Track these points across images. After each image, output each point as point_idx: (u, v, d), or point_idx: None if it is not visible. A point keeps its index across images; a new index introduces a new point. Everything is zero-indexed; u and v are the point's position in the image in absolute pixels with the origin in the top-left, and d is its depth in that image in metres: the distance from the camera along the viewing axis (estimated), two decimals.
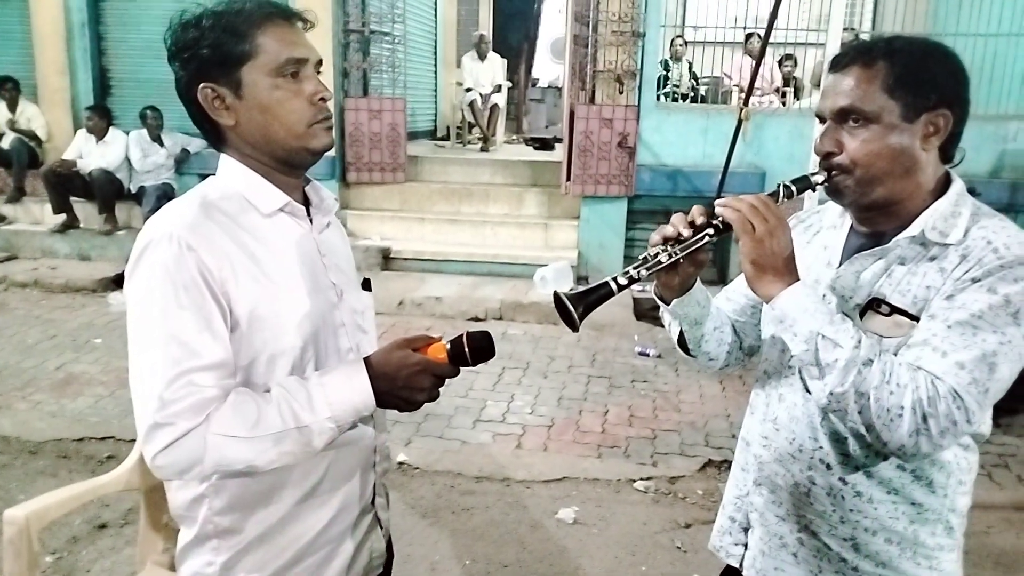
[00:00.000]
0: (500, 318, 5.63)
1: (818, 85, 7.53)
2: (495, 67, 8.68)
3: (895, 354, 1.09)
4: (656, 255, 1.15)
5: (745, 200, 1.12)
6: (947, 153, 1.16)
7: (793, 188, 1.16)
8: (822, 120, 1.18)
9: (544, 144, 8.89)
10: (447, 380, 1.14)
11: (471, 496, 3.24)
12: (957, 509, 1.20)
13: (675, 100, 6.96)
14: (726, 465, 3.54)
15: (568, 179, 6.35)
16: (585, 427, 3.92)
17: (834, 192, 1.18)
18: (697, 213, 1.16)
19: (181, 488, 1.15)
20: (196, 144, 6.84)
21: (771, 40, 7.13)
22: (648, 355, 4.92)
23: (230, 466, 1.02)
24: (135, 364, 1.03)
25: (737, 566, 1.38)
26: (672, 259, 1.15)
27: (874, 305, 1.14)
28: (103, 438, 3.63)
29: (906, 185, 1.14)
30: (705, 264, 1.22)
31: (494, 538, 2.94)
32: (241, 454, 1.01)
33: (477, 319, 5.63)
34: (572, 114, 6.26)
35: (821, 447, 1.21)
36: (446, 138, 9.48)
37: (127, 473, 1.69)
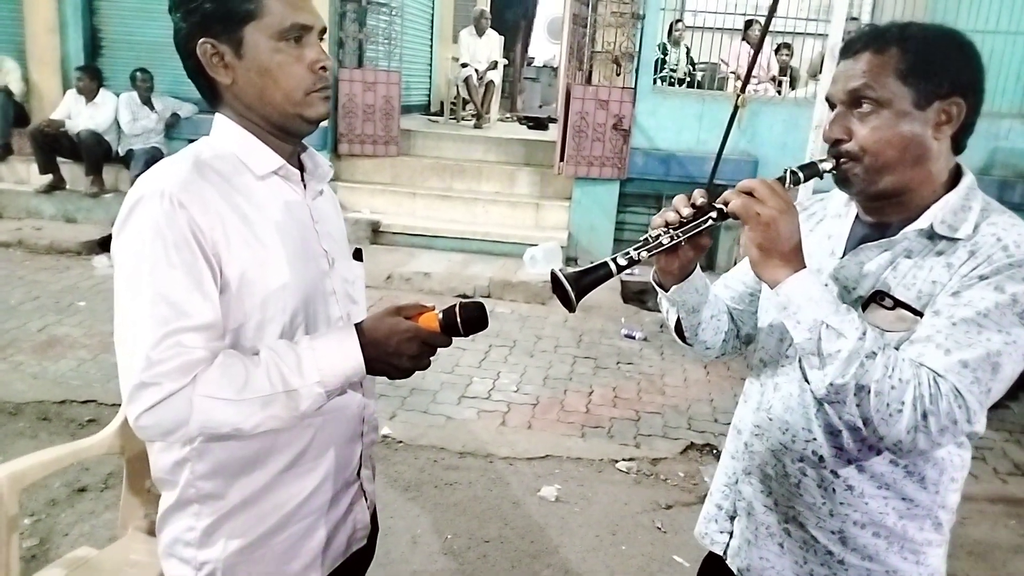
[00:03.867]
0: (488, 296, 5.62)
1: (815, 76, 7.52)
2: (492, 44, 8.60)
3: (897, 349, 1.07)
4: (657, 237, 1.13)
5: (750, 186, 1.10)
6: (959, 144, 1.14)
7: (800, 174, 1.13)
8: (832, 106, 1.15)
9: (538, 123, 8.84)
10: (437, 350, 1.13)
11: (454, 471, 3.25)
12: (947, 506, 1.19)
13: (672, 85, 6.93)
14: (708, 449, 3.57)
15: (562, 159, 6.32)
16: (570, 407, 3.94)
17: (842, 180, 1.15)
18: (699, 195, 1.14)
19: (163, 451, 1.14)
20: (187, 109, 6.74)
21: (770, 29, 7.12)
22: (634, 338, 4.94)
23: (216, 429, 1.01)
24: (122, 323, 1.01)
25: (721, 554, 1.38)
26: (674, 242, 1.13)
27: (877, 298, 1.12)
28: (84, 401, 3.61)
29: (916, 175, 1.12)
30: (706, 249, 1.21)
31: (476, 513, 2.95)
32: (227, 417, 1.00)
33: (465, 296, 5.61)
34: (568, 94, 6.22)
35: (815, 439, 1.20)
36: (440, 113, 9.40)
37: (110, 437, 1.68)
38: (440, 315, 1.13)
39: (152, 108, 6.61)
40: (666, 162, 6.29)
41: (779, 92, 7.10)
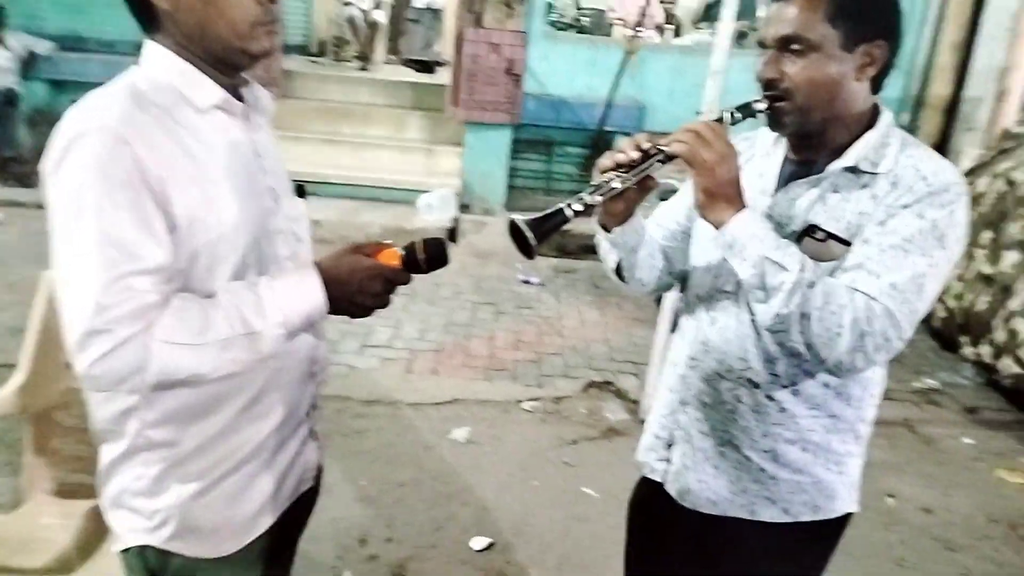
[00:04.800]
0: None
1: (696, 24, 7.77)
2: None
3: (831, 277, 1.15)
4: (609, 181, 1.16)
5: (694, 129, 1.15)
6: (877, 84, 1.22)
7: (738, 115, 1.20)
8: (764, 47, 1.21)
9: (425, 66, 8.61)
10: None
11: (362, 419, 3.23)
12: (866, 419, 1.32)
13: (561, 29, 6.94)
14: (607, 386, 3.73)
15: (455, 104, 6.23)
16: (473, 352, 3.99)
17: (774, 120, 1.22)
18: (643, 139, 1.18)
19: (106, 401, 1.08)
20: (44, 46, 6.07)
21: None
22: (531, 283, 5.02)
23: (173, 375, 0.96)
24: (65, 268, 0.94)
25: (660, 480, 1.46)
26: (625, 185, 1.16)
27: (810, 231, 1.20)
28: None
29: (840, 114, 1.20)
30: (651, 191, 1.25)
31: (388, 459, 2.97)
32: (187, 362, 0.96)
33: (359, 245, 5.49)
34: (460, 37, 6.10)
35: (751, 367, 1.28)
36: (321, 54, 8.96)
37: (10, 397, 1.55)
38: (402, 252, 1.11)
39: (4, 45, 5.92)
40: (557, 108, 6.33)
41: (662, 39, 7.27)
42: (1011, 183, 3.72)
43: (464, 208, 6.21)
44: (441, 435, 3.16)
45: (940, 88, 6.34)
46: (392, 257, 1.11)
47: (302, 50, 9.12)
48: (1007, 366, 3.51)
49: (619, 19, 7.39)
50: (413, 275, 1.13)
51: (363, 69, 7.95)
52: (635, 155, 1.17)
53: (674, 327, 1.53)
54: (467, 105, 6.19)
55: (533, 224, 1.10)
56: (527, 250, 1.11)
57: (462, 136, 6.44)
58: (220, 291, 1.02)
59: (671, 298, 3.41)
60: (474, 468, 2.95)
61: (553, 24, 6.85)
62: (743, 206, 1.16)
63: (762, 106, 1.21)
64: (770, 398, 1.28)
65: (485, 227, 5.93)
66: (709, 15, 7.43)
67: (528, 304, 4.70)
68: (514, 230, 1.11)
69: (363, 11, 7.97)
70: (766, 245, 1.12)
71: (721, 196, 1.14)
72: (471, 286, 4.90)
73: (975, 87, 6.18)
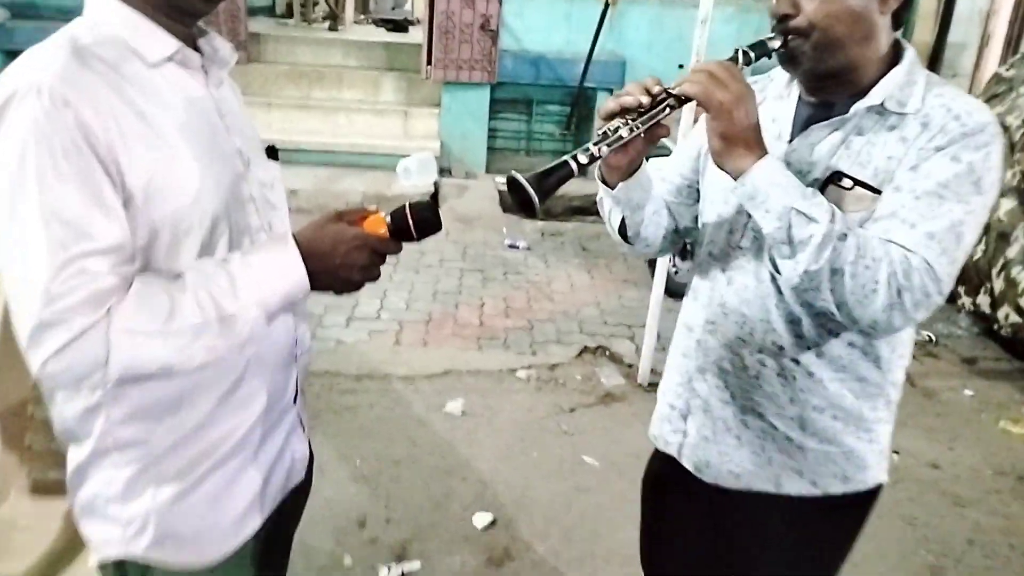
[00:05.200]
0: None
1: None
2: None
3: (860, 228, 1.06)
4: (616, 129, 1.04)
5: (707, 68, 1.03)
6: (899, 19, 1.12)
7: (752, 54, 1.09)
8: None
9: (397, 26, 8.33)
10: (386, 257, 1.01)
11: (352, 395, 3.13)
12: (897, 382, 1.23)
13: None
14: (601, 351, 3.65)
15: (429, 63, 6.02)
16: (463, 320, 3.88)
17: (789, 59, 1.11)
18: (653, 83, 1.06)
19: (69, 400, 0.95)
20: None
21: None
22: (518, 247, 4.91)
23: (140, 368, 0.84)
24: (8, 253, 0.81)
25: (675, 454, 1.37)
26: (633, 134, 1.05)
27: (835, 178, 1.10)
28: None
29: (863, 51, 1.10)
30: (660, 139, 1.14)
31: (382, 435, 2.87)
32: (154, 353, 0.84)
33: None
34: None
35: (774, 329, 1.19)
36: (288, 15, 8.64)
37: None
38: (388, 218, 0.99)
39: None
40: (536, 65, 6.14)
41: None
42: (1005, 128, 3.64)
43: (444, 172, 6.05)
44: (435, 408, 3.06)
45: (923, 34, 6.23)
46: (378, 224, 0.99)
47: (269, 12, 8.81)
48: (1006, 315, 3.47)
49: None
50: (403, 243, 1.01)
51: (333, 29, 7.66)
52: (644, 99, 1.05)
53: (677, 293, 1.42)
54: (442, 64, 5.99)
55: (535, 179, 0.99)
56: (530, 207, 0.99)
57: (439, 97, 6.25)
58: (187, 270, 0.90)
59: (663, 260, 3.32)
60: (470, 441, 2.87)
61: None
62: (764, 152, 1.05)
63: (776, 44, 1.09)
64: (796, 362, 1.19)
65: (467, 191, 5.78)
66: None
67: (516, 269, 4.58)
68: (515, 186, 1.00)
69: None
70: (792, 194, 1.02)
71: (740, 142, 1.04)
72: (456, 252, 4.78)
73: (958, 33, 6.09)
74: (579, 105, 6.28)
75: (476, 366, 3.42)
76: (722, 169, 1.07)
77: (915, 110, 1.08)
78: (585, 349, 3.65)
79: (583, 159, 1.02)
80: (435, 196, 4.99)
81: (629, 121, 1.05)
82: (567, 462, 2.80)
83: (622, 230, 1.31)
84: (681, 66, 6.04)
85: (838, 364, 1.18)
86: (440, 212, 1.01)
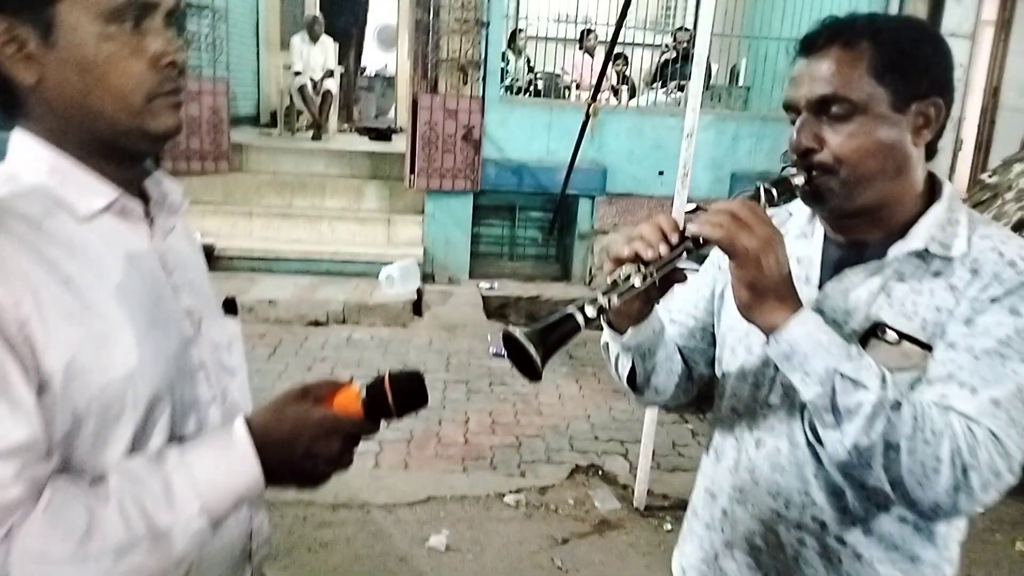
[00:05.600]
0: (344, 321, 5.23)
1: (650, 84, 7.78)
2: (327, 51, 8.13)
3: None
4: (628, 277, 0.92)
5: (729, 209, 0.92)
6: (932, 149, 1.02)
7: (774, 191, 0.97)
8: (795, 111, 1.00)
9: (380, 134, 8.47)
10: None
11: (328, 528, 2.89)
12: (953, 560, 1.07)
13: (516, 93, 6.86)
14: (594, 470, 3.45)
15: (412, 172, 6.04)
16: (447, 439, 3.68)
17: (814, 196, 1.00)
18: (670, 228, 0.94)
19: None
20: None
21: (600, 40, 7.25)
22: (503, 356, 4.74)
23: None
24: None
25: None
26: (647, 282, 0.92)
27: (878, 331, 0.97)
28: None
29: (896, 187, 0.99)
30: (676, 284, 1.02)
31: None
32: None
33: (318, 323, 5.19)
34: (415, 104, 5.96)
35: (814, 503, 1.03)
36: (272, 125, 8.77)
37: None
38: (363, 392, 0.85)
39: None
40: (518, 172, 6.19)
41: (619, 101, 7.25)
42: None
43: (427, 278, 5.97)
44: (417, 543, 2.83)
45: None
46: (351, 401, 0.85)
47: (253, 121, 8.94)
48: None
49: (573, 81, 7.37)
50: (380, 421, 0.87)
51: (317, 139, 7.76)
52: (663, 250, 0.93)
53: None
54: (425, 173, 6.02)
55: (536, 336, 0.85)
56: (531, 369, 0.85)
57: (422, 204, 6.24)
58: (112, 474, 0.75)
59: None
60: None
61: (508, 88, 6.77)
62: (798, 305, 0.92)
63: (800, 180, 0.98)
64: (841, 541, 1.03)
65: (451, 296, 5.69)
66: (663, 73, 7.44)
67: (502, 380, 4.42)
68: (511, 344, 0.86)
69: (314, 81, 7.81)
70: (835, 355, 0.89)
71: (770, 293, 0.91)
72: (439, 362, 4.62)
73: None
74: (561, 212, 6.31)
75: (461, 491, 3.21)
76: (750, 322, 0.95)
77: (961, 254, 0.96)
78: (577, 468, 3.45)
79: (591, 312, 0.89)
80: (417, 304, 4.88)
81: (642, 268, 0.93)
82: None
83: (631, 379, 1.18)
84: (661, 172, 6.12)
85: (889, 543, 1.02)
86: (426, 383, 0.87)
